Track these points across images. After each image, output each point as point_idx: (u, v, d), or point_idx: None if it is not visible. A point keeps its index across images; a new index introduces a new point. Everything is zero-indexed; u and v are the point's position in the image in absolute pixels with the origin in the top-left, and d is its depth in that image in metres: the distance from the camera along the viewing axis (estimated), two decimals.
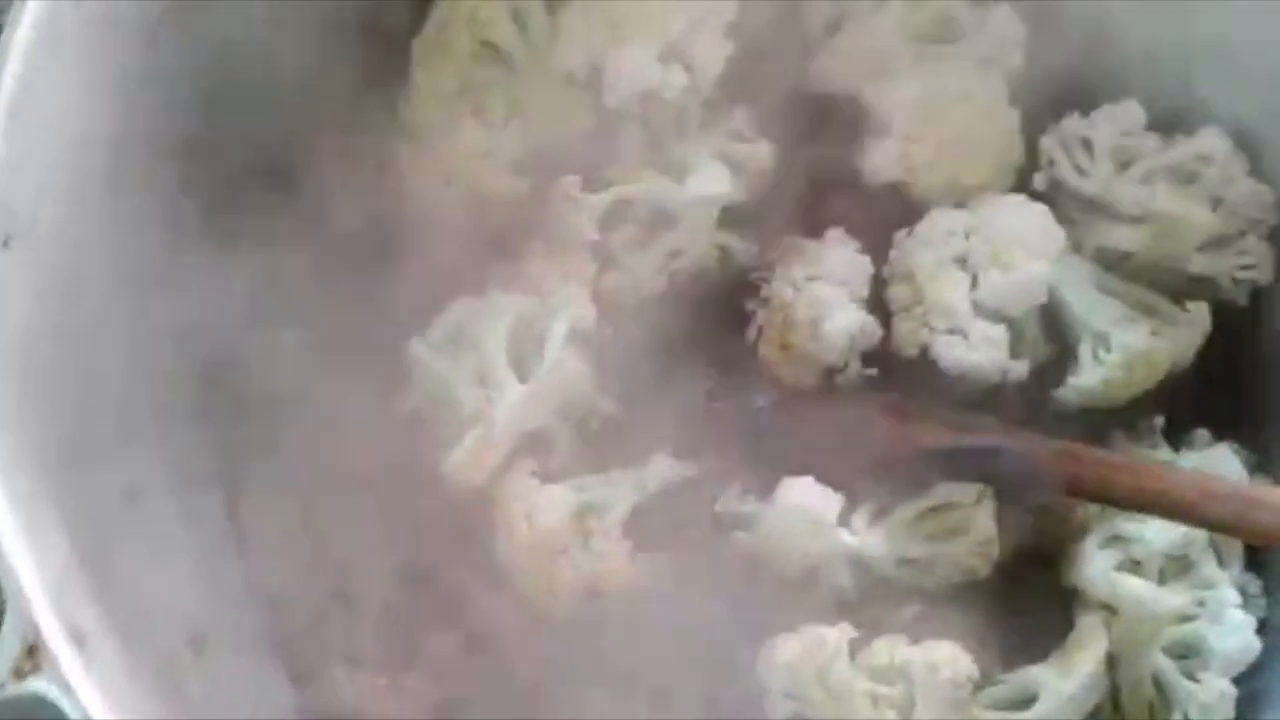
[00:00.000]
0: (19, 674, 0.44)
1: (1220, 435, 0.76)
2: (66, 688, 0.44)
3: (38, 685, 0.43)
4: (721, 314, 0.78)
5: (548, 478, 0.72)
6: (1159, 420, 0.75)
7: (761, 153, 0.78)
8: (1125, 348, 0.73)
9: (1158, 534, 0.68)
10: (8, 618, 0.45)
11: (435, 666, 0.68)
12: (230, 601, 0.66)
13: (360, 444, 0.73)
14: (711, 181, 0.74)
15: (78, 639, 0.45)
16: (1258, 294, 0.77)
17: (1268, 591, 0.73)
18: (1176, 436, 0.76)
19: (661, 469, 0.73)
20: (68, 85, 0.53)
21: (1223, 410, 0.77)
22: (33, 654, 0.44)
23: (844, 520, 0.70)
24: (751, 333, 0.77)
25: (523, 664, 0.69)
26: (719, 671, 0.70)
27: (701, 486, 0.74)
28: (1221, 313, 0.77)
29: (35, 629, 0.44)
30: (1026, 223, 0.73)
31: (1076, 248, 0.77)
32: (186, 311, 0.69)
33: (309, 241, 0.75)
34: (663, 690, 0.70)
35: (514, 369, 0.72)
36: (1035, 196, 0.78)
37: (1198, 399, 0.77)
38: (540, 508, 0.69)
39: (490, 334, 0.71)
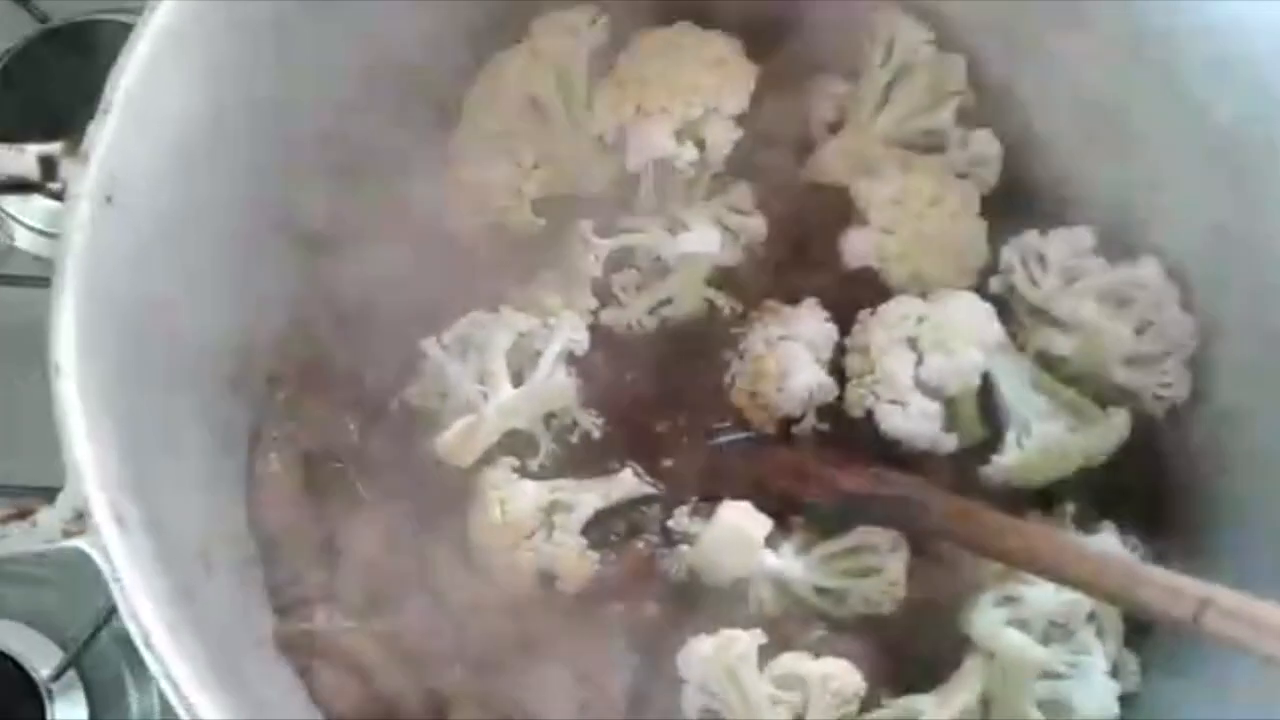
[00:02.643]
0: (67, 534, 0.55)
1: (1124, 529, 0.85)
2: (105, 552, 0.55)
3: (81, 543, 0.54)
4: (702, 359, 0.89)
5: (525, 475, 0.82)
6: (1070, 506, 0.84)
7: (755, 225, 0.89)
8: (1043, 437, 0.83)
9: (1044, 599, 0.77)
10: (64, 490, 0.56)
11: (404, 619, 0.78)
12: (233, 537, 0.76)
13: (365, 426, 0.84)
14: (702, 241, 0.85)
15: (119, 519, 0.56)
16: (1174, 411, 0.87)
17: (1143, 669, 0.81)
18: (1086, 525, 0.85)
19: (627, 483, 0.84)
20: (180, 78, 0.65)
21: (1131, 509, 0.86)
22: (80, 520, 0.55)
23: (774, 545, 0.79)
24: (726, 379, 0.88)
25: (478, 630, 0.78)
26: (646, 663, 0.80)
27: (658, 503, 0.84)
28: (1142, 424, 0.87)
29: (85, 500, 0.55)
30: (971, 317, 0.84)
31: (1021, 347, 0.87)
32: (248, 290, 0.82)
33: (357, 246, 0.87)
34: (592, 674, 0.79)
35: (511, 375, 0.83)
36: (991, 298, 0.88)
37: (1110, 495, 0.86)
38: (514, 497, 0.79)
39: (495, 342, 0.82)
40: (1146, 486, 0.88)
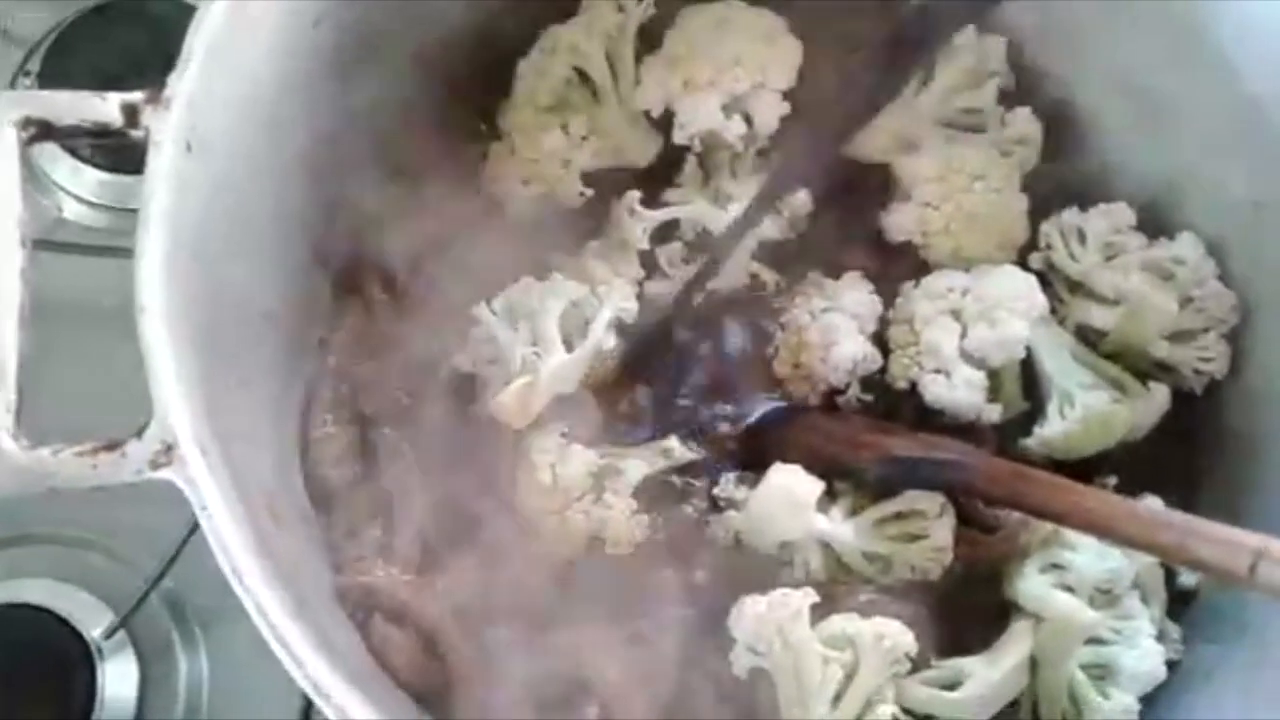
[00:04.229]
0: (155, 465, 0.56)
1: (1166, 503, 0.86)
2: (191, 482, 0.56)
3: (169, 474, 0.55)
4: (747, 331, 0.90)
5: (575, 441, 0.83)
6: (1112, 479, 0.85)
7: (799, 200, 0.90)
8: (1086, 408, 0.84)
9: (1090, 565, 0.78)
10: (152, 423, 0.57)
11: (458, 577, 0.78)
12: (292, 492, 0.77)
13: (416, 391, 0.85)
14: None
15: (205, 452, 0.57)
16: (1213, 387, 0.88)
17: (1186, 640, 0.83)
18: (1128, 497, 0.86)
19: (673, 450, 0.85)
20: (255, 35, 0.67)
21: (1170, 482, 0.87)
22: (168, 451, 0.56)
23: (823, 510, 0.80)
24: (769, 350, 0.89)
25: (530, 590, 0.79)
26: (695, 626, 0.80)
27: (705, 470, 0.85)
28: (1181, 399, 0.88)
29: (173, 433, 0.56)
30: (1015, 289, 0.85)
31: (1060, 321, 0.89)
32: (301, 253, 0.83)
33: (408, 213, 0.89)
34: (644, 634, 0.80)
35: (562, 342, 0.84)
36: (1031, 273, 0.89)
37: (1150, 468, 0.87)
38: (565, 460, 0.80)
39: (549, 308, 0.83)
40: (1184, 461, 0.89)
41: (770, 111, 0.88)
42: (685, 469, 0.86)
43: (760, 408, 0.88)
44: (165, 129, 0.61)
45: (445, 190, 0.90)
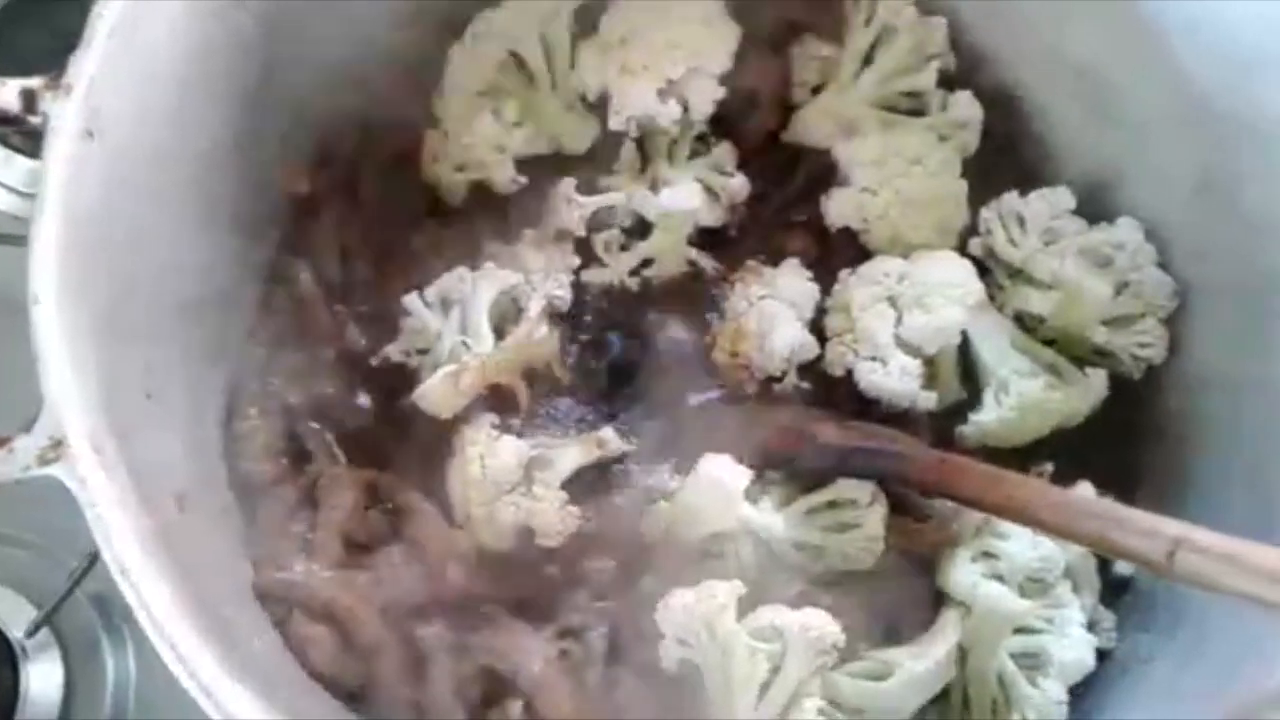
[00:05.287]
0: (43, 460, 0.54)
1: (1102, 489, 0.85)
2: (82, 480, 0.54)
3: (57, 471, 0.54)
4: (685, 319, 0.89)
5: (507, 432, 0.82)
6: (1048, 466, 0.85)
7: (736, 185, 0.89)
8: (1021, 395, 0.83)
9: (1021, 554, 0.77)
10: (41, 418, 0.56)
11: (383, 571, 0.77)
12: (212, 485, 0.76)
13: (345, 381, 0.83)
14: (683, 198, 0.85)
15: (96, 448, 0.56)
16: (1152, 372, 0.87)
17: (1120, 629, 0.82)
18: (1063, 484, 0.85)
19: (607, 440, 0.84)
20: (165, 18, 0.65)
21: (1110, 469, 0.86)
22: (57, 447, 0.54)
23: (754, 500, 0.80)
24: (708, 339, 0.88)
25: (457, 583, 0.78)
26: (626, 617, 0.80)
27: (638, 460, 0.84)
28: (1121, 385, 0.87)
29: (62, 427, 0.55)
30: (951, 275, 0.84)
31: (1000, 308, 0.88)
32: (230, 244, 0.82)
33: (340, 201, 0.87)
34: (573, 626, 0.79)
35: (493, 330, 0.83)
36: (971, 259, 0.88)
37: (1090, 455, 0.86)
38: (495, 452, 0.79)
39: (479, 297, 0.82)
40: (1121, 448, 0.88)
41: (706, 96, 0.87)
42: (620, 459, 0.84)
43: (698, 396, 0.87)
44: (64, 115, 0.60)
45: (378, 177, 0.89)
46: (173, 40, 0.67)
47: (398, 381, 0.84)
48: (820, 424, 0.80)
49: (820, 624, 0.73)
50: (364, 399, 0.84)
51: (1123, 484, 0.86)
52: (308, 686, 0.72)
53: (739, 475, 0.78)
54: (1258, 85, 0.74)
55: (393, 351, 0.84)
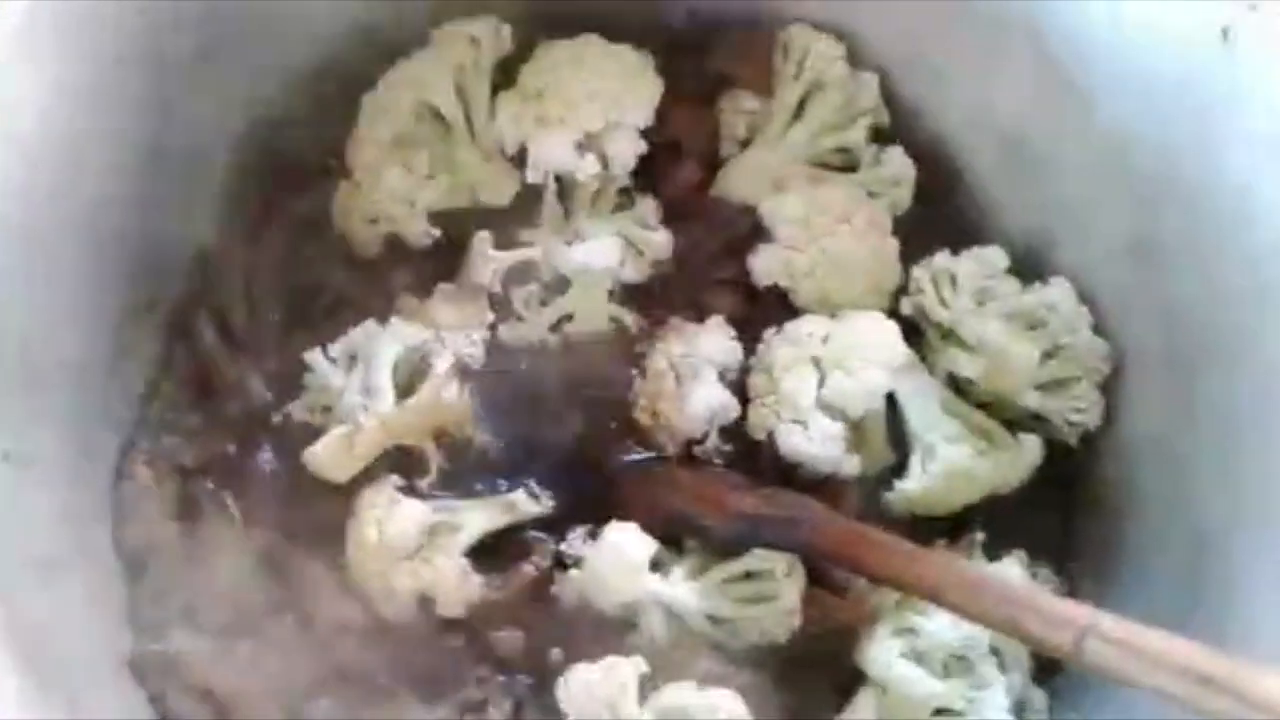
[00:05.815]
0: None
1: (1035, 558, 0.82)
2: None
3: None
4: (607, 378, 0.86)
5: (414, 494, 0.79)
6: (979, 535, 0.81)
7: (660, 240, 0.86)
8: (948, 462, 0.80)
9: (942, 631, 0.74)
10: None
11: (270, 643, 0.74)
12: (90, 551, 0.72)
13: (245, 440, 0.80)
14: (600, 253, 0.82)
15: None
16: (1088, 439, 0.84)
17: (1052, 709, 0.78)
18: (996, 553, 0.82)
19: (519, 504, 0.80)
20: (35, 65, 0.63)
21: (1044, 537, 0.83)
22: None
23: (665, 570, 0.76)
24: (630, 397, 0.85)
25: (349, 656, 0.74)
26: (532, 692, 0.76)
27: (553, 526, 0.81)
28: (1057, 451, 0.84)
29: None
30: (875, 336, 0.81)
31: (931, 369, 0.85)
32: (124, 297, 0.79)
33: (248, 252, 0.85)
34: (475, 703, 0.75)
35: (400, 390, 0.80)
36: (903, 319, 0.85)
37: (1024, 523, 0.83)
38: (393, 517, 0.76)
39: (382, 354, 0.79)
40: (1059, 515, 0.86)
41: (627, 150, 0.85)
42: (532, 523, 0.81)
43: (618, 458, 0.84)
44: None
45: (289, 229, 0.87)
46: (48, 90, 0.64)
47: (303, 441, 0.80)
48: (733, 491, 0.76)
49: (727, 705, 0.70)
50: (267, 458, 0.80)
51: (1057, 554, 0.84)
52: None
53: (642, 545, 0.75)
54: (1182, 144, 0.72)
55: (296, 409, 0.81)
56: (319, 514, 0.79)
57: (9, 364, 0.64)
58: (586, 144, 0.84)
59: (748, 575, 0.76)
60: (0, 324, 0.63)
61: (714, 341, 0.84)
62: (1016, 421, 0.84)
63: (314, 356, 0.80)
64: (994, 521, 0.83)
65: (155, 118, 0.75)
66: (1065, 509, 0.86)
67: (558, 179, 0.85)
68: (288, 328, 0.84)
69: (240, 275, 0.84)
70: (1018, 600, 0.61)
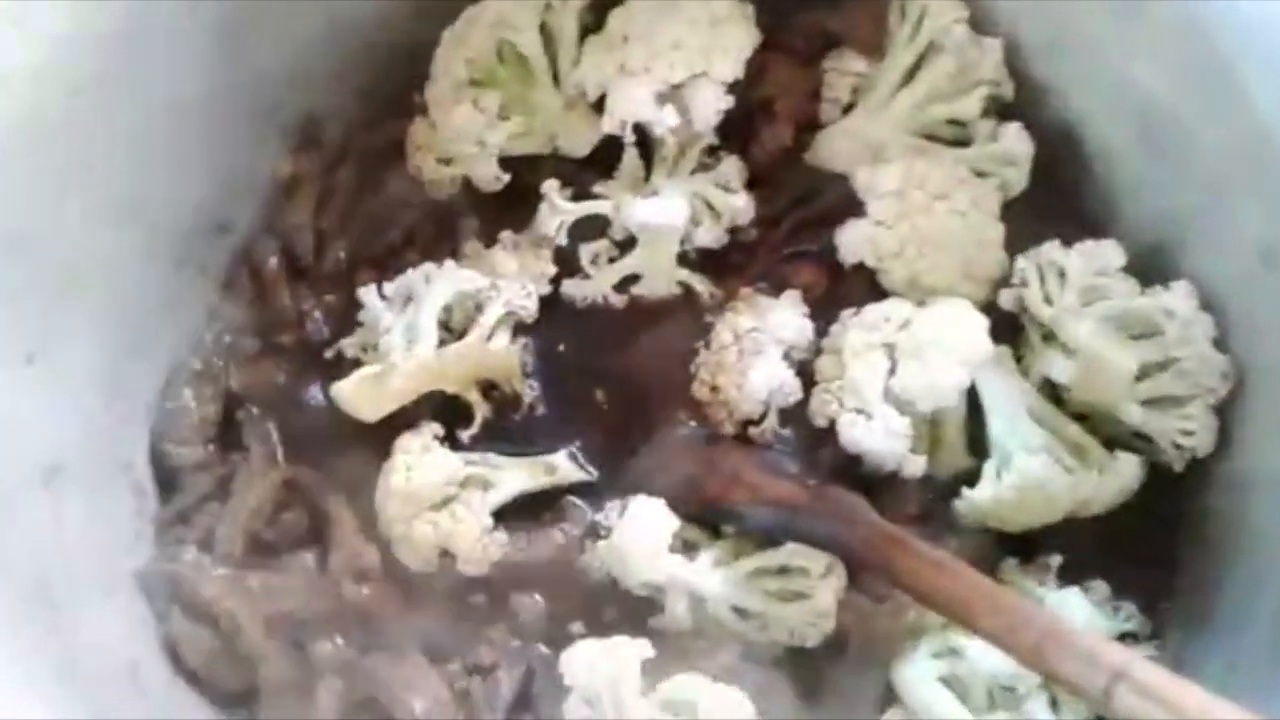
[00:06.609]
0: None
1: (1122, 592, 0.74)
2: None
3: None
4: (669, 345, 0.81)
5: (455, 445, 0.76)
6: (1055, 559, 0.74)
7: (739, 204, 0.81)
8: (1024, 473, 0.72)
9: (985, 657, 0.66)
10: None
11: (284, 577, 0.73)
12: (106, 462, 0.72)
13: (295, 372, 0.79)
14: (663, 212, 0.77)
15: None
16: (1197, 465, 0.75)
17: None
18: (1077, 581, 0.74)
19: (559, 467, 0.77)
20: None
21: (1132, 570, 0.75)
22: None
23: (689, 553, 0.71)
24: (691, 369, 0.80)
25: (363, 600, 0.73)
26: (543, 662, 0.73)
27: (591, 493, 0.77)
28: (1160, 476, 0.75)
29: None
30: (958, 328, 0.74)
31: (1026, 371, 0.77)
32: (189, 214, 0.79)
33: (320, 187, 0.84)
34: (484, 666, 0.72)
35: (452, 337, 0.77)
36: (1003, 313, 0.78)
37: (1112, 551, 0.75)
38: (423, 465, 0.73)
39: (431, 296, 0.76)
40: (1156, 548, 0.76)
41: (710, 104, 0.79)
42: (570, 488, 0.77)
43: (669, 430, 0.79)
44: None
45: (364, 164, 0.85)
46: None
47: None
48: (775, 477, 0.71)
49: (733, 704, 0.64)
50: (314, 392, 0.79)
51: (1148, 590, 0.75)
52: (167, 687, 0.67)
53: (664, 523, 0.70)
54: None
55: (348, 346, 0.80)
56: (357, 455, 0.77)
57: (45, 264, 0.64)
58: (668, 95, 0.79)
59: (782, 570, 0.71)
60: (43, 222, 0.62)
61: (784, 317, 0.78)
62: (1117, 439, 0.75)
63: (368, 294, 0.78)
64: (1077, 546, 0.75)
65: (224, 39, 0.74)
66: (1164, 542, 0.77)
67: (640, 132, 0.80)
68: (352, 263, 0.83)
69: (310, 207, 0.83)
70: (1050, 633, 0.54)
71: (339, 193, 0.84)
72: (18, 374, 0.62)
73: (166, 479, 0.76)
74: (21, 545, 0.56)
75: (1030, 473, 0.72)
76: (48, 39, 0.61)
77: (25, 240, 0.63)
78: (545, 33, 0.82)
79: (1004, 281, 0.79)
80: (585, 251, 0.82)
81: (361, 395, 0.72)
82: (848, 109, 0.84)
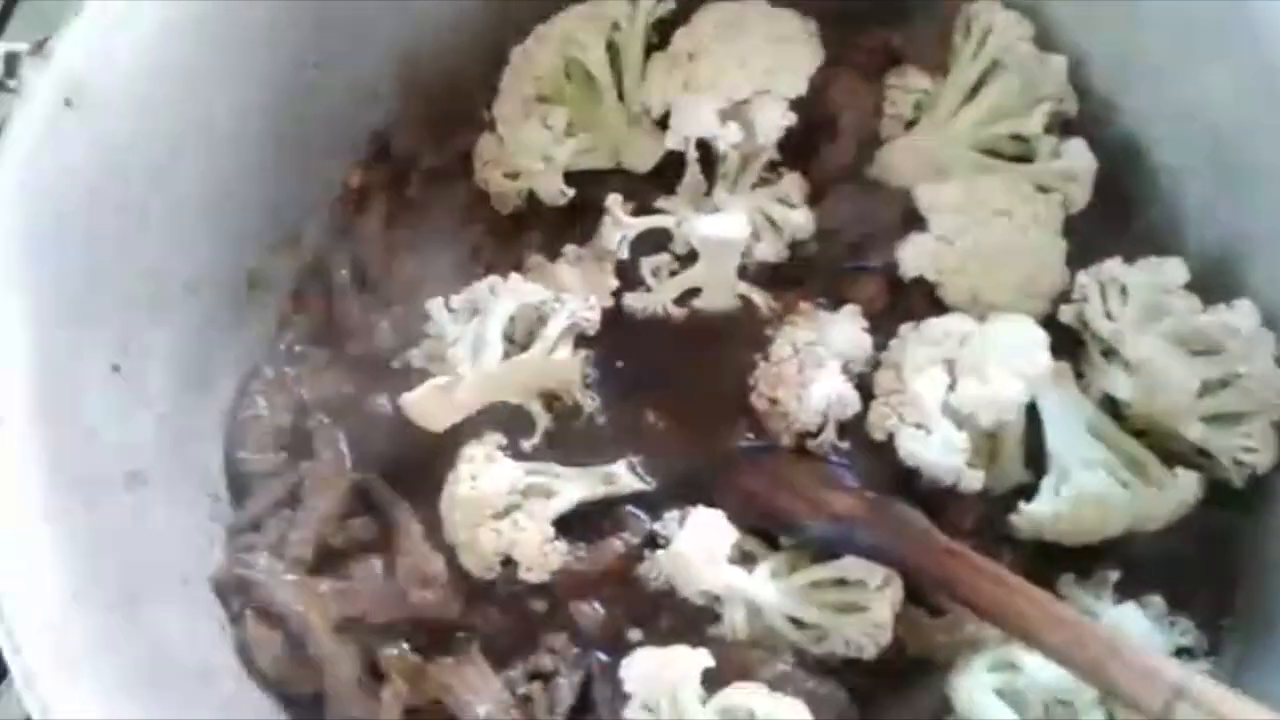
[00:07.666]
0: None
1: (1180, 608, 0.73)
2: None
3: None
4: (729, 358, 0.82)
5: (516, 454, 0.78)
6: (1113, 574, 0.74)
7: (799, 219, 0.82)
8: (1081, 487, 0.72)
9: (1043, 670, 0.67)
10: None
11: (354, 583, 0.75)
12: (182, 468, 0.75)
13: (364, 383, 0.81)
14: (724, 226, 0.79)
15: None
16: (1259, 482, 0.74)
17: None
18: (1134, 597, 0.74)
19: (619, 477, 0.78)
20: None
21: (1190, 587, 0.75)
22: None
23: (747, 564, 0.72)
24: (750, 381, 0.81)
25: (430, 606, 0.74)
26: (604, 669, 0.74)
27: (651, 502, 0.78)
28: (1222, 492, 0.75)
29: None
30: (1018, 343, 0.74)
31: (1086, 387, 0.77)
32: (264, 224, 0.81)
33: (387, 199, 0.86)
34: (545, 672, 0.74)
35: (516, 349, 0.78)
36: (1063, 329, 0.78)
37: (1171, 568, 0.75)
38: (487, 473, 0.75)
39: (497, 309, 0.78)
40: (1217, 564, 0.76)
41: (774, 120, 0.80)
42: (629, 498, 0.79)
43: (728, 441, 0.80)
44: (39, 81, 0.59)
45: (431, 178, 0.87)
46: (193, 13, 0.66)
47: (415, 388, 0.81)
48: (834, 490, 0.71)
49: (789, 715, 0.65)
50: (382, 402, 0.81)
51: (1208, 607, 0.75)
52: (238, 687, 0.69)
53: (722, 534, 0.71)
54: None
55: (415, 357, 0.81)
56: (423, 464, 0.79)
57: (133, 279, 0.66)
58: (731, 112, 0.80)
59: (839, 582, 0.71)
60: (131, 240, 0.65)
61: (844, 331, 0.79)
62: (1178, 456, 0.75)
63: (435, 305, 0.80)
64: (1137, 562, 0.74)
65: (300, 50, 0.76)
66: (1223, 558, 0.76)
67: (702, 148, 0.81)
68: (419, 275, 0.84)
69: (379, 220, 0.85)
70: (1110, 649, 0.54)
71: (407, 206, 0.86)
72: (106, 382, 0.64)
73: (240, 485, 0.78)
74: (106, 548, 0.58)
75: (1088, 488, 0.72)
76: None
77: (111, 263, 0.65)
78: (611, 51, 0.84)
79: (1065, 297, 0.79)
80: (647, 265, 0.83)
81: (430, 406, 0.74)
82: (910, 125, 0.84)
